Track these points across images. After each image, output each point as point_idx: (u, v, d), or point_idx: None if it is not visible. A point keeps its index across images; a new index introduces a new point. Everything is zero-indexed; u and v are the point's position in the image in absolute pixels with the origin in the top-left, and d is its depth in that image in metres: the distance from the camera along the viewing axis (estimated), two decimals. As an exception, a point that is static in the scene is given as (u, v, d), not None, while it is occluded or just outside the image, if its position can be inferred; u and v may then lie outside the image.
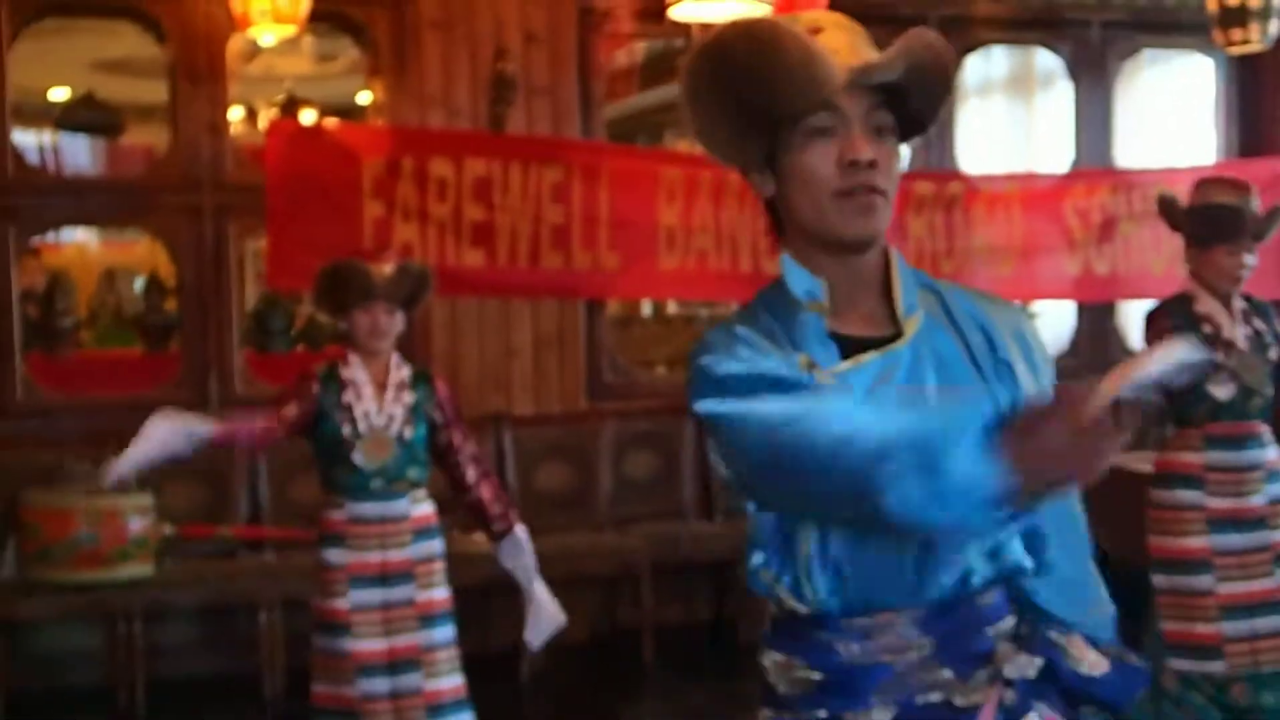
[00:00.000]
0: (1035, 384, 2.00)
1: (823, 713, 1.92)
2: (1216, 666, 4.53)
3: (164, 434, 4.13)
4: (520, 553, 4.63)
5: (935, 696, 1.90)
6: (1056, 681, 1.93)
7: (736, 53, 1.87)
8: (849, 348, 1.92)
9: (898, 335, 1.94)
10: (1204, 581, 4.53)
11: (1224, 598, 4.51)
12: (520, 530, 4.63)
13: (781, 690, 1.96)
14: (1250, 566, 4.55)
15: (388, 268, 4.43)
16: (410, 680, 4.39)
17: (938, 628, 1.90)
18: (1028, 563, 1.95)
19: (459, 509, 4.73)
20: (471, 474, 4.58)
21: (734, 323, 1.95)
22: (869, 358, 1.91)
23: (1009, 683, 1.91)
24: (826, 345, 1.92)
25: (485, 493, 4.59)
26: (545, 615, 4.61)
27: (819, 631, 1.91)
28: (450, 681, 4.48)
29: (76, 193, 7.89)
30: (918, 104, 1.92)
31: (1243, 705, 4.54)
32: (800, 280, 1.95)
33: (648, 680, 6.72)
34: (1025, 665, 1.92)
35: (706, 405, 1.87)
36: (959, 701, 1.90)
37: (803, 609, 1.92)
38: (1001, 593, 1.97)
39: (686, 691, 6.38)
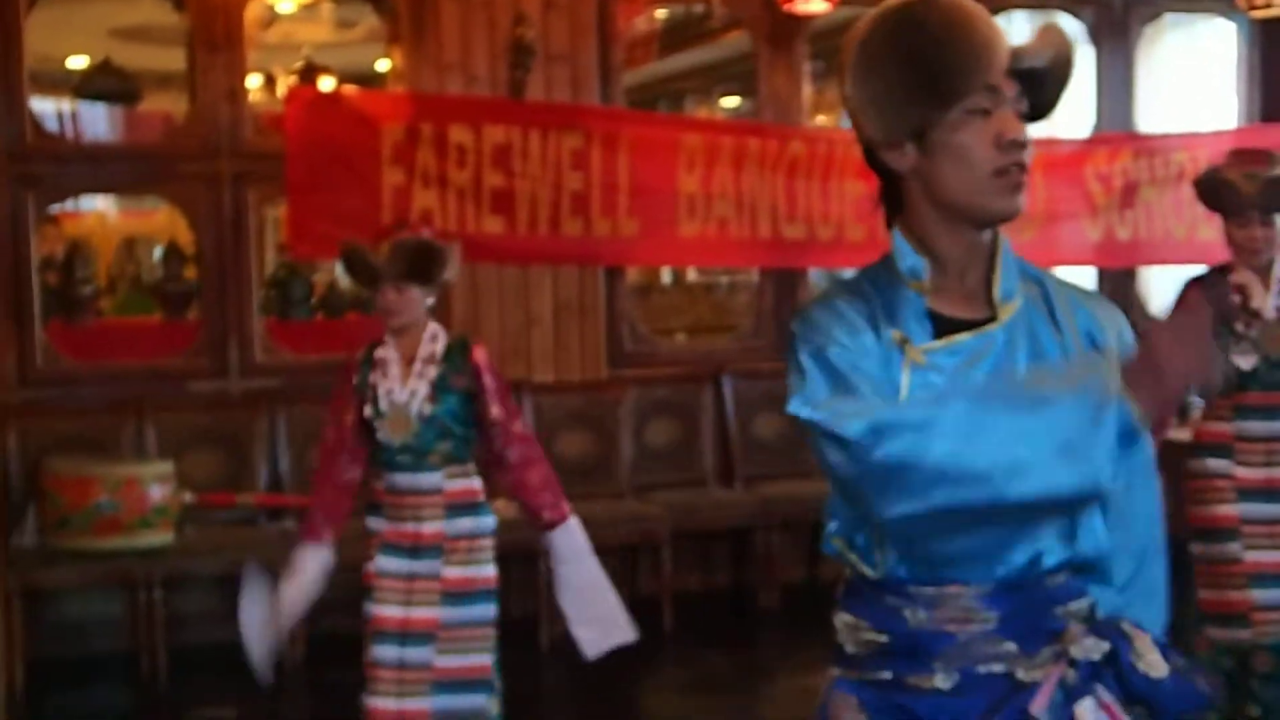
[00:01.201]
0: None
1: (887, 674, 1.95)
2: (1243, 634, 4.54)
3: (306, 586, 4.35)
4: (574, 546, 4.46)
5: (998, 668, 1.93)
6: (1116, 671, 1.94)
7: (928, 24, 1.91)
8: (945, 327, 1.97)
9: (994, 318, 1.98)
10: (1232, 549, 4.54)
11: (1250, 566, 4.52)
12: (574, 522, 4.48)
13: (849, 650, 2.01)
14: (1278, 536, 4.51)
15: (385, 247, 4.33)
16: (419, 653, 4.33)
17: (1005, 603, 1.93)
18: (1103, 545, 2.00)
19: (489, 481, 4.64)
20: (514, 454, 4.43)
21: (837, 295, 2.01)
22: (962, 338, 1.96)
23: (1073, 663, 1.93)
24: (923, 323, 1.97)
25: (532, 478, 4.45)
26: (611, 622, 4.51)
27: (887, 596, 1.96)
28: (474, 660, 4.42)
29: (95, 160, 7.84)
30: (1048, 93, 1.99)
31: (1263, 674, 4.54)
32: (907, 257, 2.00)
33: (667, 647, 6.69)
34: (1091, 648, 1.93)
35: (798, 408, 1.90)
36: (1021, 675, 1.93)
37: (872, 574, 1.97)
38: (1071, 575, 2.00)
39: (705, 658, 6.36)
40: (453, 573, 4.37)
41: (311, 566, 4.35)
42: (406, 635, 4.34)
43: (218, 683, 6.12)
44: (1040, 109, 1.99)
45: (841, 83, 2.00)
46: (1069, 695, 1.92)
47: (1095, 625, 1.98)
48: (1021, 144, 1.92)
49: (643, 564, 7.10)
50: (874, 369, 1.92)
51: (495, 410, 4.40)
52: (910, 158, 1.97)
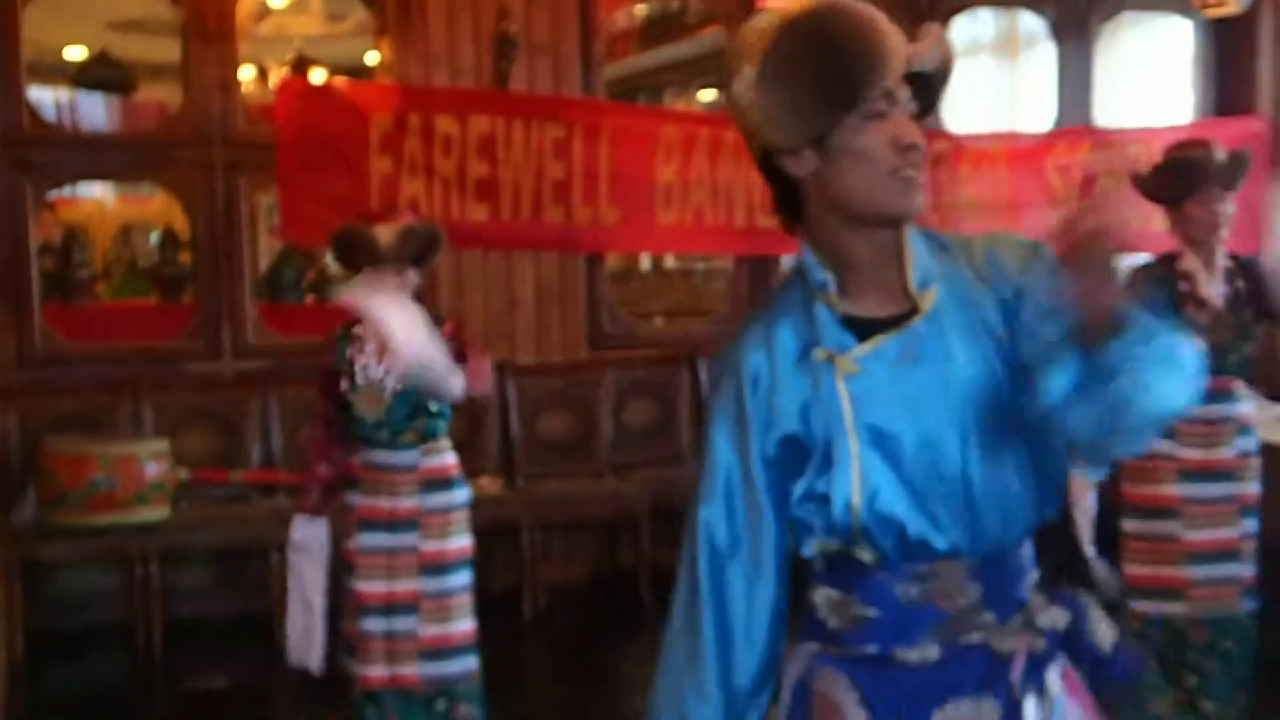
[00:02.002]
0: (1022, 272, 1.97)
1: (873, 647, 1.94)
2: (1177, 608, 4.55)
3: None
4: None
5: (976, 638, 1.93)
6: (1072, 639, 1.97)
7: (830, 31, 1.88)
8: (867, 330, 1.94)
9: (915, 312, 1.94)
10: (1172, 527, 4.54)
11: (1190, 544, 4.52)
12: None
13: (832, 625, 1.98)
14: (1217, 516, 4.53)
15: (393, 230, 4.34)
16: (405, 623, 4.37)
17: (987, 576, 1.93)
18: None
19: (470, 454, 4.66)
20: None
21: (752, 331, 2.01)
22: (885, 338, 1.93)
23: (1039, 632, 1.94)
24: (842, 333, 1.94)
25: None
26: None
27: (879, 573, 1.93)
28: (455, 627, 4.44)
29: (92, 148, 7.85)
30: (933, 94, 1.98)
31: (1200, 646, 4.55)
32: (815, 272, 1.98)
33: (645, 620, 6.68)
34: (1057, 617, 1.95)
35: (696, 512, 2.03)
36: (995, 645, 1.93)
37: (864, 555, 1.93)
38: (1031, 546, 2.01)
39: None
40: (429, 546, 4.40)
41: (316, 541, 4.37)
42: (392, 607, 4.36)
43: (211, 654, 6.13)
44: (925, 109, 1.96)
45: (734, 93, 1.94)
46: (1037, 663, 1.93)
47: (1055, 595, 1.99)
48: (916, 146, 1.89)
49: (622, 539, 7.11)
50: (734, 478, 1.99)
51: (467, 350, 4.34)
52: (809, 163, 1.92)
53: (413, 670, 4.38)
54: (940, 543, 1.89)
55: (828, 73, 1.86)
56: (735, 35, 1.97)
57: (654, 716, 2.04)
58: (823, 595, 1.98)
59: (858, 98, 1.86)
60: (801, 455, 1.92)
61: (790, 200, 1.99)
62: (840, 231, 1.95)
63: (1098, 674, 2.01)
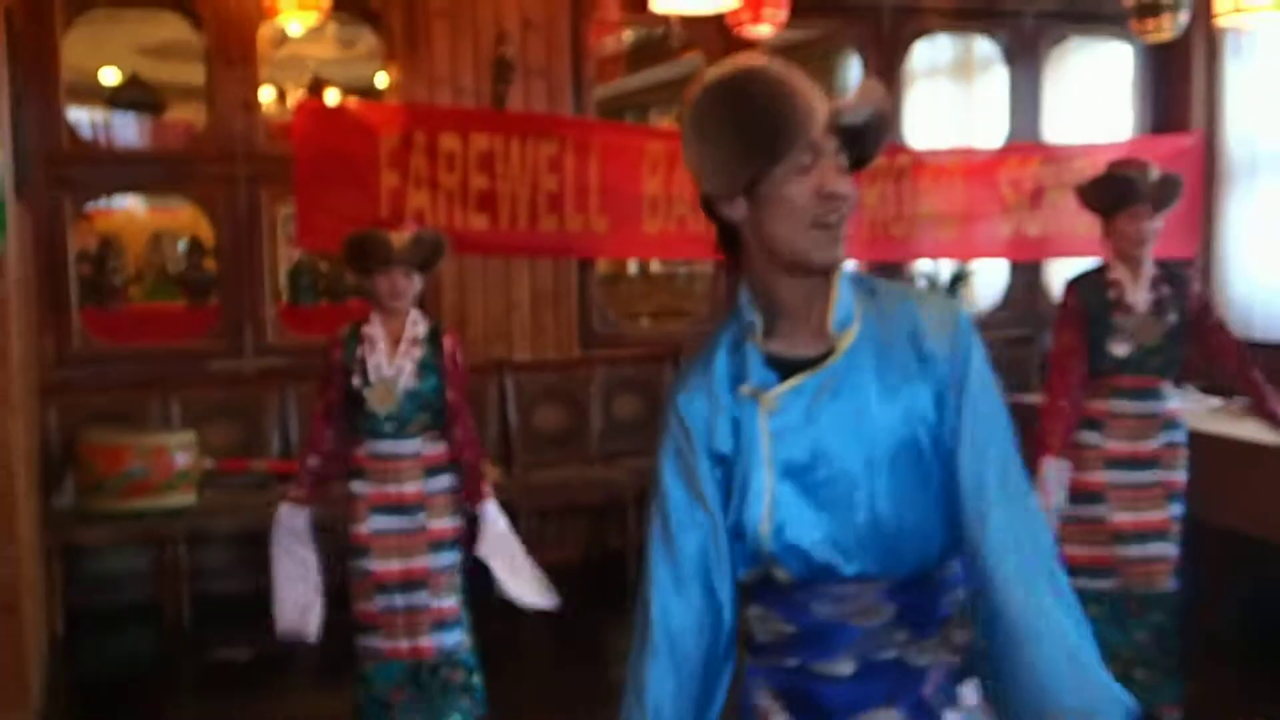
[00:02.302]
0: (953, 353, 1.91)
1: (794, 660, 1.92)
2: (1107, 584, 4.56)
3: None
4: (493, 526, 4.49)
5: (891, 654, 1.89)
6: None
7: (748, 91, 1.84)
8: (789, 369, 1.90)
9: (832, 353, 1.90)
10: (1100, 510, 4.54)
11: (1116, 525, 4.54)
12: (492, 505, 4.51)
13: (760, 639, 1.96)
14: (1143, 500, 4.55)
15: (405, 236, 4.37)
16: (419, 598, 4.39)
17: (902, 597, 1.88)
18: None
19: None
20: (459, 432, 4.47)
21: (701, 360, 1.99)
22: (802, 377, 1.89)
23: (956, 649, 1.93)
24: (766, 372, 1.91)
25: (465, 456, 4.48)
26: (521, 579, 4.50)
27: (796, 593, 1.89)
28: (450, 600, 4.46)
29: (125, 164, 7.85)
30: (868, 145, 1.91)
31: (1133, 620, 4.59)
32: (746, 314, 1.94)
33: (631, 597, 6.65)
34: (976, 635, 1.93)
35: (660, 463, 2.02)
36: (911, 660, 1.90)
37: (782, 576, 1.89)
38: (959, 564, 1.94)
39: (667, 605, 6.34)
40: (435, 524, 4.43)
41: (304, 525, 4.38)
42: (409, 584, 4.38)
43: (235, 628, 6.10)
44: (863, 159, 1.91)
45: (682, 141, 1.93)
46: (952, 679, 1.92)
47: (973, 612, 1.94)
48: (841, 195, 1.84)
49: (610, 523, 7.09)
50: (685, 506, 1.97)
51: (451, 395, 4.46)
52: (741, 209, 1.88)
53: (428, 641, 4.40)
54: (848, 569, 1.85)
55: (748, 132, 1.83)
56: (684, 95, 1.94)
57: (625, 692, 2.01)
58: (751, 611, 1.96)
59: (778, 155, 1.82)
60: (726, 475, 1.91)
61: (731, 241, 1.95)
62: (772, 275, 1.91)
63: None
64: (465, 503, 4.51)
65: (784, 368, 1.90)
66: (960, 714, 1.92)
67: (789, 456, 1.86)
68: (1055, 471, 4.42)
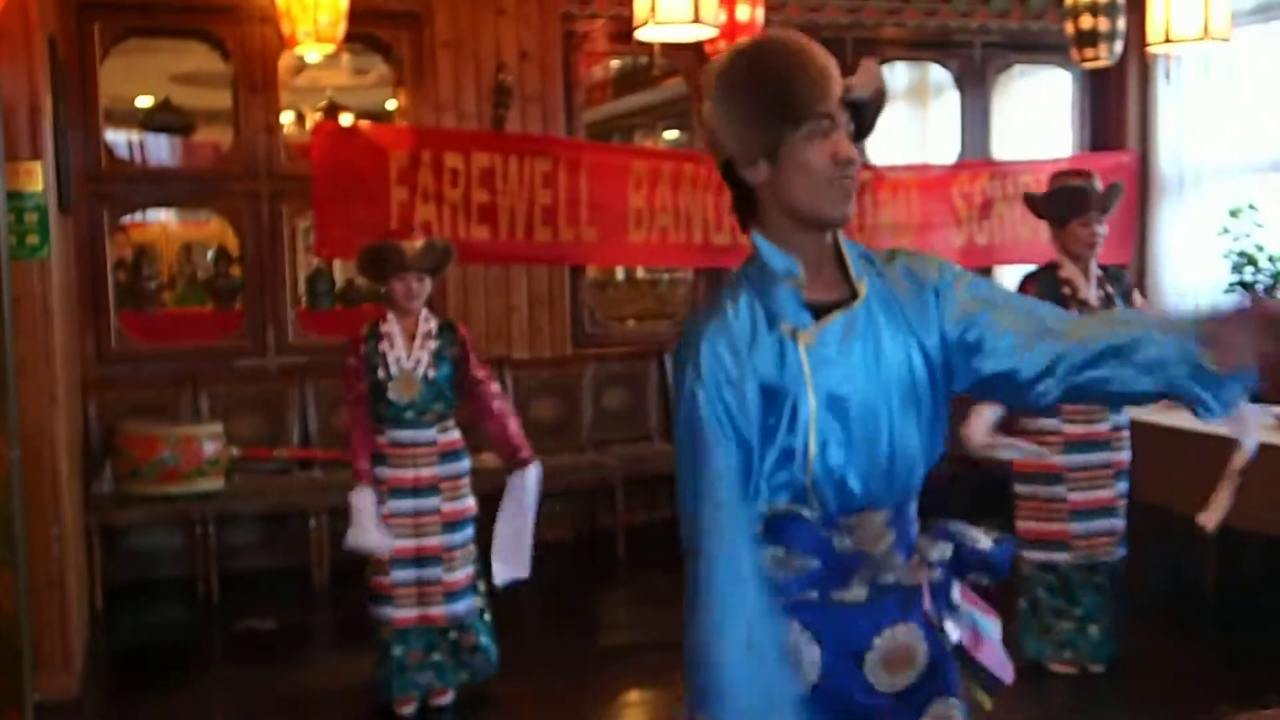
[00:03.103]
0: (940, 278, 1.99)
1: (814, 593, 1.92)
2: (1063, 556, 4.62)
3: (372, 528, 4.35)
4: (529, 487, 4.52)
5: (891, 578, 1.94)
6: (958, 560, 2.02)
7: (774, 59, 1.87)
8: (819, 310, 1.92)
9: (854, 297, 1.95)
10: (1059, 490, 4.59)
11: (1074, 503, 4.58)
12: (535, 470, 4.54)
13: (778, 579, 1.92)
14: (1096, 479, 4.59)
15: (417, 244, 4.45)
16: (432, 572, 4.43)
17: (896, 524, 1.94)
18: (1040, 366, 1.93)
19: (475, 434, 4.68)
20: (498, 405, 4.55)
21: (718, 309, 1.93)
22: (835, 316, 1.92)
23: (931, 565, 1.99)
24: (803, 311, 1.91)
25: (513, 425, 4.55)
26: (517, 556, 4.53)
27: (820, 529, 1.91)
28: (465, 572, 4.51)
29: (158, 181, 7.84)
30: (868, 119, 1.95)
31: (1082, 585, 4.65)
32: (778, 259, 1.93)
33: (620, 571, 6.73)
34: (944, 550, 2.00)
35: (680, 431, 1.91)
36: (907, 581, 1.96)
37: (809, 513, 1.90)
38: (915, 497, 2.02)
39: (651, 579, 6.36)
40: (448, 506, 4.46)
41: (370, 503, 4.35)
42: (421, 559, 4.41)
43: (259, 600, 6.12)
44: (863, 131, 1.96)
45: (704, 109, 1.94)
46: (937, 590, 1.99)
47: (935, 531, 2.02)
48: (852, 160, 1.89)
49: (600, 504, 7.10)
50: (738, 415, 1.86)
51: (478, 371, 4.53)
52: (763, 172, 1.90)
53: (439, 610, 4.44)
54: (867, 494, 1.89)
55: (775, 96, 1.85)
56: (708, 66, 1.96)
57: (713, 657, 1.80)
58: (769, 554, 1.91)
59: (801, 118, 1.85)
60: (770, 406, 1.87)
61: (745, 203, 1.98)
62: (790, 231, 1.93)
63: (990, 567, 2.03)
64: (505, 470, 4.53)
65: (814, 310, 1.92)
66: (955, 618, 2.00)
67: (828, 386, 1.87)
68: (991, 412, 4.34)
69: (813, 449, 1.86)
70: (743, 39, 1.96)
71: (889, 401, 1.90)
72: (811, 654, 1.93)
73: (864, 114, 1.93)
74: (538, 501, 4.56)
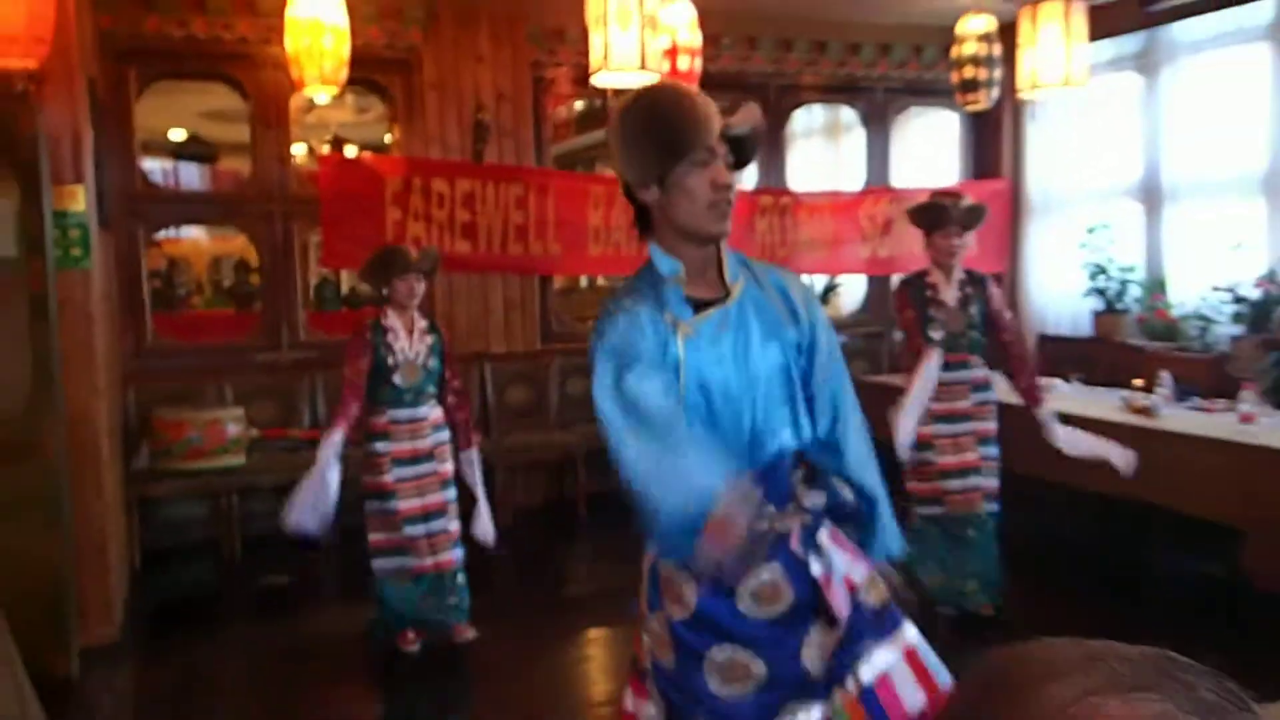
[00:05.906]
0: (809, 316, 2.05)
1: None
2: (938, 510, 4.56)
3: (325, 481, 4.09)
4: (472, 467, 4.54)
5: (764, 525, 1.93)
6: (832, 508, 2.04)
7: (663, 104, 1.93)
8: (698, 306, 1.97)
9: (728, 296, 2.00)
10: (928, 455, 4.54)
11: (942, 466, 4.53)
12: (475, 452, 4.57)
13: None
14: (960, 445, 4.52)
15: (416, 251, 4.47)
16: (439, 524, 4.45)
17: (765, 481, 1.93)
18: (820, 433, 2.04)
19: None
20: (452, 400, 4.56)
21: (624, 297, 1.97)
22: (711, 311, 1.97)
23: (806, 511, 1.99)
24: (684, 306, 1.96)
25: (460, 417, 4.56)
26: (484, 521, 4.52)
27: None
28: (456, 524, 4.54)
29: (187, 202, 7.74)
30: (747, 150, 1.98)
31: (957, 536, 4.58)
32: (666, 264, 1.98)
33: (582, 532, 6.68)
34: (816, 497, 2.01)
35: (597, 396, 1.90)
36: (778, 526, 1.96)
37: None
38: (795, 452, 2.01)
39: (610, 539, 6.33)
40: (442, 467, 4.49)
41: (340, 447, 4.12)
42: (428, 515, 4.42)
43: (277, 560, 6.03)
44: (744, 160, 1.97)
45: (609, 144, 1.98)
46: (808, 533, 1.99)
47: (813, 481, 2.02)
48: (729, 186, 1.92)
49: (566, 475, 7.07)
50: (652, 350, 1.89)
51: (449, 373, 4.55)
52: (655, 194, 1.95)
53: (448, 556, 4.46)
54: (733, 464, 1.87)
55: (663, 134, 1.90)
56: (614, 106, 2.00)
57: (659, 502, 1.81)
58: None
59: (684, 152, 1.90)
60: None
61: (643, 219, 2.03)
62: (677, 243, 1.98)
63: (858, 514, 2.06)
64: (458, 449, 4.54)
65: (694, 305, 1.98)
66: (820, 556, 1.98)
67: (700, 371, 1.91)
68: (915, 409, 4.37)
69: None
70: (635, 89, 1.99)
71: (754, 387, 1.92)
72: (690, 590, 1.96)
73: (743, 147, 1.97)
74: (482, 473, 4.58)
